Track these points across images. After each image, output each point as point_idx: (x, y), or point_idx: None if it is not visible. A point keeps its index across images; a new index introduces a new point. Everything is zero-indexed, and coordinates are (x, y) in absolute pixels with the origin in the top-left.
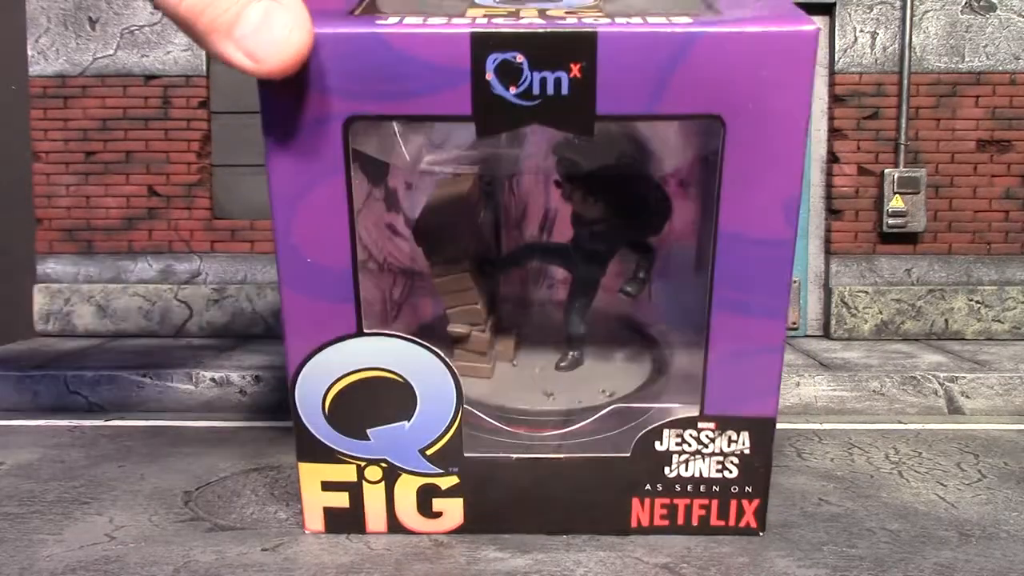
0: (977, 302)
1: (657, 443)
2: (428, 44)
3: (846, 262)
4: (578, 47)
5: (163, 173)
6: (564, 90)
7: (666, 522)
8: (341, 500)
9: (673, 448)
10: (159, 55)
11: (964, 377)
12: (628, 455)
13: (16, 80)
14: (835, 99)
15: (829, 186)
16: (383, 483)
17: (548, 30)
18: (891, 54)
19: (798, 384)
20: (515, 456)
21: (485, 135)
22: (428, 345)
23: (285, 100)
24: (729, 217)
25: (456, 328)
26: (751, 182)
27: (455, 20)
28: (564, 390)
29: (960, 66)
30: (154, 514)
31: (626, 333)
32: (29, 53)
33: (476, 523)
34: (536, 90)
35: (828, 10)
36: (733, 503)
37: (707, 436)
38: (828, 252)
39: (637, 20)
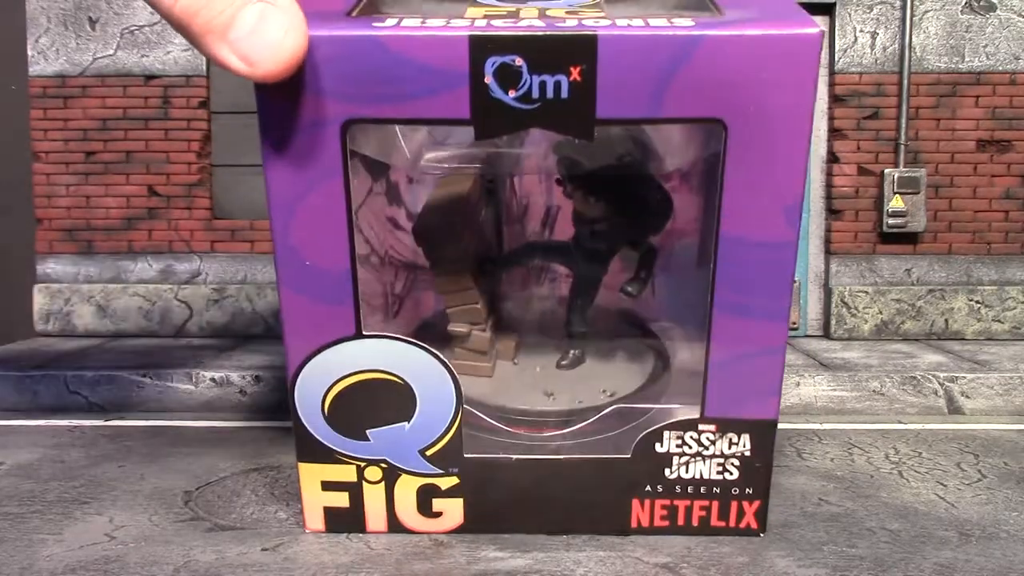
0: (977, 302)
1: (657, 445)
2: (425, 47)
3: (846, 262)
4: (578, 50)
5: (163, 173)
6: (564, 93)
7: (666, 523)
8: (341, 500)
9: (673, 450)
10: (159, 55)
11: (964, 377)
12: (628, 456)
13: (16, 80)
14: (835, 99)
15: (829, 186)
16: (383, 483)
17: (547, 33)
18: (891, 54)
19: (798, 384)
20: (515, 457)
21: (483, 138)
22: (427, 347)
23: (282, 103)
24: (730, 220)
25: (456, 327)
26: (753, 186)
27: (453, 22)
28: (565, 390)
29: (960, 66)
30: (154, 514)
31: (628, 331)
32: (29, 53)
33: (476, 523)
34: (535, 93)
35: (828, 10)
36: (734, 504)
37: (708, 438)
38: (828, 252)
39: (638, 22)
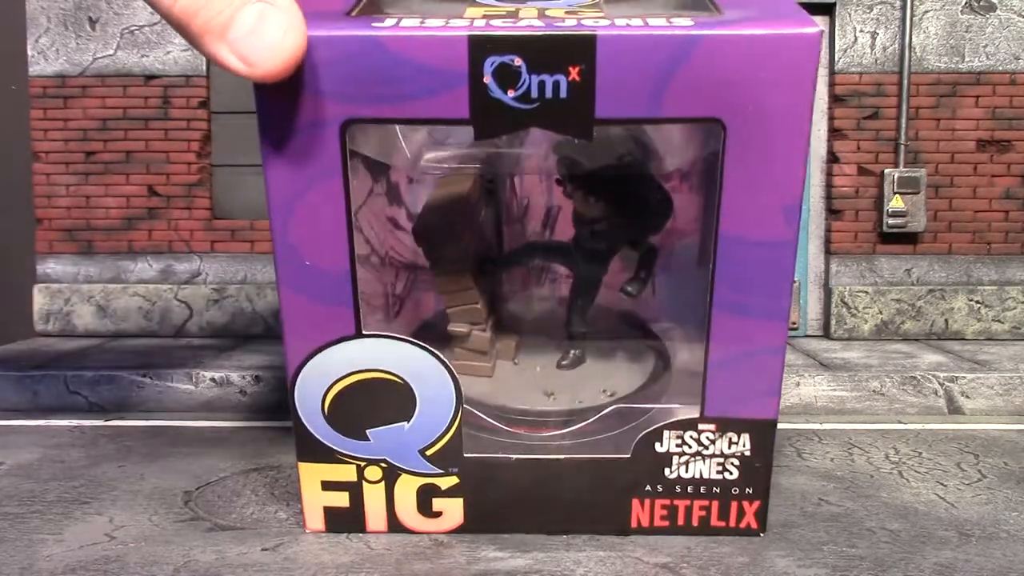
0: (977, 302)
1: (657, 444)
2: (425, 47)
3: (846, 262)
4: (577, 50)
5: (163, 173)
6: (563, 93)
7: (666, 523)
8: (341, 500)
9: (673, 450)
10: (159, 55)
11: (964, 377)
12: (628, 456)
13: (16, 80)
14: (835, 99)
15: (829, 186)
16: (383, 483)
17: (546, 33)
18: (891, 54)
19: (798, 384)
20: (515, 457)
21: (483, 138)
22: (427, 347)
23: (281, 103)
24: (730, 220)
25: (457, 327)
26: (752, 185)
27: (452, 22)
28: (565, 390)
29: (960, 66)
30: (154, 514)
31: (629, 330)
32: (29, 53)
33: (476, 523)
34: (535, 93)
35: (828, 10)
36: (734, 504)
37: (707, 438)
38: (828, 252)
39: (637, 22)
